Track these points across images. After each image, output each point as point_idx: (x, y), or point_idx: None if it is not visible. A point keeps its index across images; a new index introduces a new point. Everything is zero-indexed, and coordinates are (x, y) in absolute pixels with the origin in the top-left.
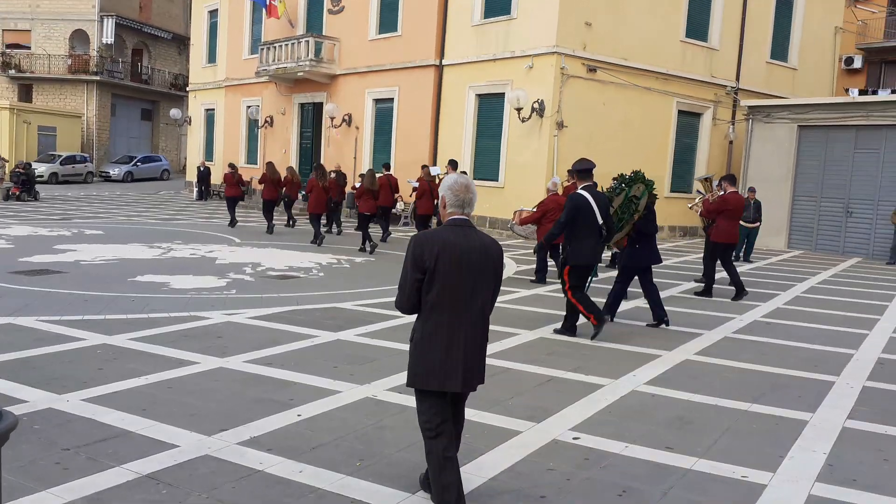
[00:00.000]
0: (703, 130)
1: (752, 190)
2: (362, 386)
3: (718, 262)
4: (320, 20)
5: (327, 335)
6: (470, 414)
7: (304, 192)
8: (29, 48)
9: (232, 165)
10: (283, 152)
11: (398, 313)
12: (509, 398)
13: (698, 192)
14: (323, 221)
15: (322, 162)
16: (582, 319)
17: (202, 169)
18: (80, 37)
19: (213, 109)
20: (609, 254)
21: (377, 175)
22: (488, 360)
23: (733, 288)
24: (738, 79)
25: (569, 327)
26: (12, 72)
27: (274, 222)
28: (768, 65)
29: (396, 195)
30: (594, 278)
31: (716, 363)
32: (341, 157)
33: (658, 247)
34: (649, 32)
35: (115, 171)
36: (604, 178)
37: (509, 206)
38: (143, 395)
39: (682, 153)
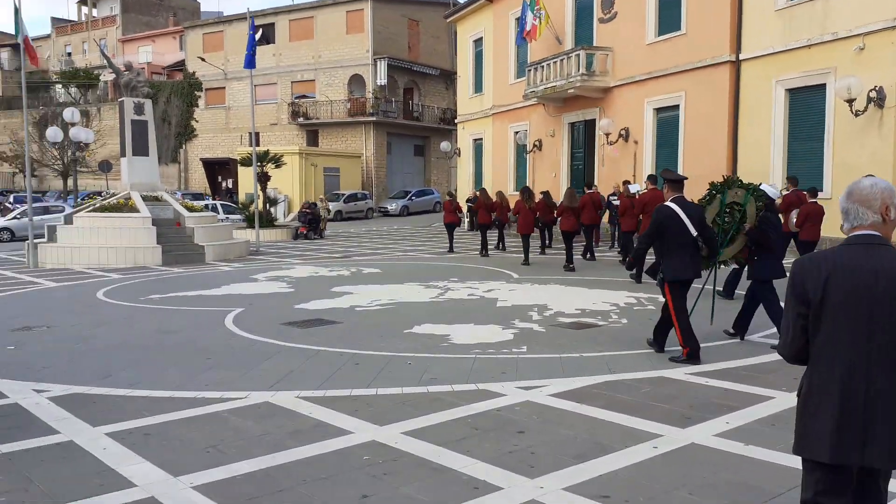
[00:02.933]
0: None
1: None
2: None
3: None
4: (590, 31)
5: (674, 434)
6: None
7: (512, 215)
8: (314, 97)
9: (450, 194)
10: (552, 176)
11: (763, 387)
12: None
13: None
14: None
15: (596, 182)
16: None
17: (472, 199)
18: (357, 81)
19: (481, 139)
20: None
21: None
22: None
23: None
24: None
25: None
26: (301, 119)
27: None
28: None
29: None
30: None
31: None
32: (618, 176)
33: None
34: None
35: (392, 206)
36: None
37: (838, 221)
38: None
39: None
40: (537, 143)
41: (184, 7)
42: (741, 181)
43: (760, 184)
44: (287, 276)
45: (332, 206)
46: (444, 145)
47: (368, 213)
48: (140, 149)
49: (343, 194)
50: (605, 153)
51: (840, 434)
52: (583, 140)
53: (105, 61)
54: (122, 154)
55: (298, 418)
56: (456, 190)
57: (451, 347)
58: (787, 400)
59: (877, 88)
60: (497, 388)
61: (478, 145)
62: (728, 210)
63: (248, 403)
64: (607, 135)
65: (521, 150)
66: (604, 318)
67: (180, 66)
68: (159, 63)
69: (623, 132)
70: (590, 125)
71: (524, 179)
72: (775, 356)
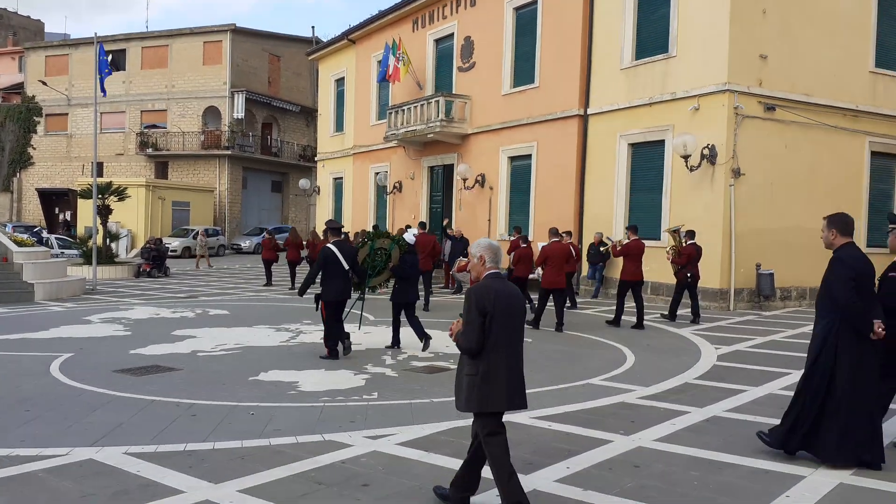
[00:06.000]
0: None
1: None
2: None
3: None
4: (450, 79)
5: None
6: None
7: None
8: (165, 127)
9: (269, 232)
10: (412, 217)
11: (602, 430)
12: None
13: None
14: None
15: (453, 224)
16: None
17: None
18: (212, 113)
19: (342, 178)
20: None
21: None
22: None
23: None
24: None
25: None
26: (150, 150)
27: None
28: None
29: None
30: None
31: None
32: (474, 220)
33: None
34: (832, 63)
35: (245, 244)
36: (790, 233)
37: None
38: None
39: (878, 201)
40: (397, 184)
41: (26, 27)
42: (388, 233)
43: (406, 230)
44: (124, 318)
45: (180, 242)
46: (304, 182)
47: (220, 251)
48: None
49: (193, 230)
50: (462, 197)
51: (510, 393)
52: (441, 184)
53: None
54: None
55: (124, 477)
56: (314, 228)
57: (298, 395)
58: (624, 443)
59: (710, 146)
60: (344, 438)
61: (338, 184)
62: (378, 252)
63: (69, 461)
64: (464, 180)
65: (381, 191)
66: (456, 361)
67: (18, 88)
68: None
69: (479, 178)
70: (448, 170)
71: (384, 220)
72: (614, 399)
